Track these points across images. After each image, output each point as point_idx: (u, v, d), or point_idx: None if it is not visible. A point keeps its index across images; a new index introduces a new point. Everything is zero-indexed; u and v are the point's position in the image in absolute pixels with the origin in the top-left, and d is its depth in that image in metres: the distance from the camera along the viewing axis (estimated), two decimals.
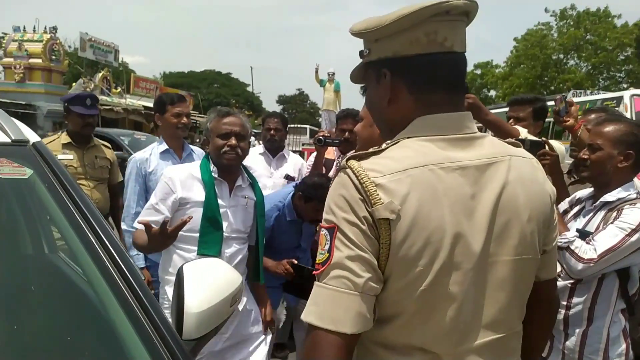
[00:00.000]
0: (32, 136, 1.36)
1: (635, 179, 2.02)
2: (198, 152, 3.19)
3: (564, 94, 2.28)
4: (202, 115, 36.06)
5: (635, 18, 27.07)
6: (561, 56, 29.90)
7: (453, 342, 0.98)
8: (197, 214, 2.17)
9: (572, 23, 29.06)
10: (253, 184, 2.45)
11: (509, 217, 1.00)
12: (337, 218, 0.95)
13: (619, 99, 10.81)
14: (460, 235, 0.95)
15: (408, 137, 1.02)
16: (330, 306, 0.93)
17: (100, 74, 20.82)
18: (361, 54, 1.10)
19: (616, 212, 1.84)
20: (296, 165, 3.71)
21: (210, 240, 2.18)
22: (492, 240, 0.98)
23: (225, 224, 2.25)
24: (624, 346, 1.86)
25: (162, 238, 1.88)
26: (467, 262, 0.96)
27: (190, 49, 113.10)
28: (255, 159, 3.58)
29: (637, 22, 24.84)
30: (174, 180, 2.23)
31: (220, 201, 2.25)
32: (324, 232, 0.97)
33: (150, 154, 3.02)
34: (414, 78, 1.03)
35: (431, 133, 1.01)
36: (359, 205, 0.94)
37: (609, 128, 1.96)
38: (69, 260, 1.77)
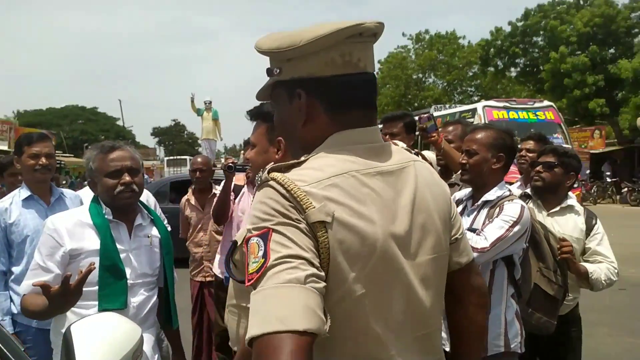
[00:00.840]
0: None
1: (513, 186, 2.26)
2: (69, 194, 2.85)
3: (430, 113, 2.49)
4: (67, 155, 33.52)
5: (478, 39, 30.53)
6: (420, 75, 32.69)
7: (387, 345, 0.97)
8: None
9: (426, 45, 31.95)
10: (154, 219, 2.18)
11: (425, 218, 1.04)
12: (270, 223, 0.89)
13: (473, 111, 12.15)
14: (390, 237, 0.96)
15: (325, 151, 1.01)
16: (273, 305, 0.82)
17: None
18: (270, 72, 1.06)
19: (498, 208, 2.07)
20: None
21: (113, 292, 1.88)
22: (415, 240, 1.01)
23: (128, 271, 1.97)
24: (518, 326, 2.04)
25: (65, 297, 1.63)
26: (397, 263, 0.97)
27: (47, 85, 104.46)
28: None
29: (479, 42, 28.02)
30: (59, 230, 1.92)
31: (119, 246, 1.96)
32: (255, 240, 0.90)
33: (10, 202, 2.63)
34: (330, 98, 1.02)
35: (348, 145, 1.01)
36: (290, 211, 0.90)
37: (481, 135, 2.21)
38: None
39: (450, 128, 3.05)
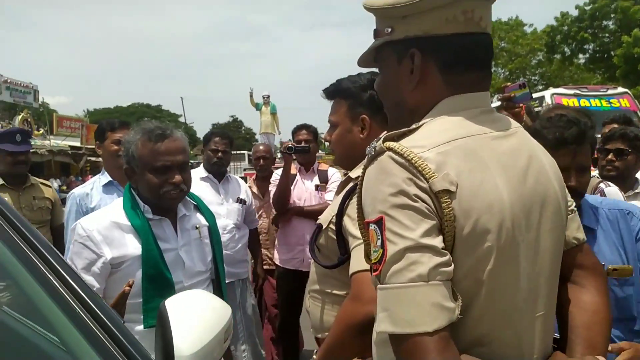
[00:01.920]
0: None
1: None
2: None
3: (524, 80, 2.27)
4: None
5: (543, 25, 29.12)
6: None
7: (511, 324, 0.90)
8: (136, 272, 1.64)
9: None
10: (198, 205, 1.94)
11: (544, 184, 0.96)
12: (384, 206, 0.84)
13: (541, 99, 11.54)
14: (515, 205, 0.89)
15: (439, 116, 0.95)
16: (400, 306, 0.81)
17: (19, 117, 19.65)
18: (378, 32, 1.00)
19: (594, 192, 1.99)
20: (243, 187, 3.49)
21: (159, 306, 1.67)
22: (536, 209, 0.93)
23: (179, 275, 1.72)
24: None
25: None
26: (523, 233, 0.90)
27: (114, 84, 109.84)
28: (198, 185, 3.11)
29: (545, 29, 26.71)
30: (93, 237, 1.63)
31: (166, 245, 1.71)
32: (372, 227, 0.86)
33: (91, 188, 2.73)
34: (447, 59, 0.96)
35: (462, 110, 0.95)
36: (408, 184, 0.84)
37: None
38: (17, 314, 1.53)
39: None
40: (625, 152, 2.43)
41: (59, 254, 1.02)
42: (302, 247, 3.42)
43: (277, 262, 3.58)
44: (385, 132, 0.97)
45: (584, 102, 10.92)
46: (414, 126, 0.94)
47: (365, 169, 0.93)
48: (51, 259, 0.97)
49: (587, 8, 24.47)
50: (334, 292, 1.47)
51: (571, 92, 11.28)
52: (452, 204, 0.83)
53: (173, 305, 1.11)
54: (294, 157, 3.48)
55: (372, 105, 1.53)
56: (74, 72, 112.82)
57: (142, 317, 1.62)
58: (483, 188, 0.86)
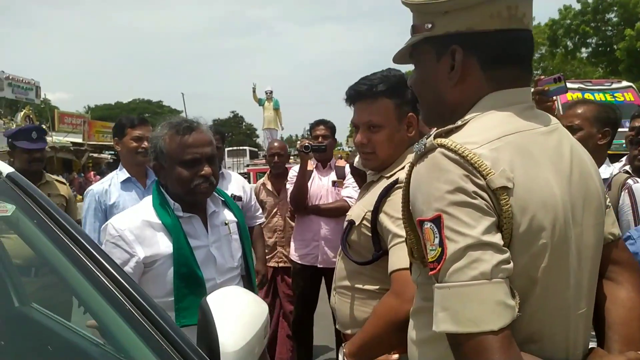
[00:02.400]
0: (3, 167, 1.14)
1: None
2: None
3: (561, 74, 2.23)
4: None
5: (546, 19, 29.02)
6: None
7: (560, 321, 0.91)
8: (167, 271, 1.63)
9: None
10: (226, 201, 1.93)
11: (587, 180, 0.96)
12: (441, 203, 0.83)
13: None
14: (565, 200, 0.89)
15: (484, 112, 0.94)
16: (462, 305, 0.80)
17: (21, 113, 19.61)
18: (416, 28, 0.99)
19: (625, 191, 1.96)
20: (239, 183, 3.44)
21: (192, 305, 1.54)
22: (580, 205, 0.93)
23: (211, 272, 1.71)
24: None
25: None
26: (570, 231, 0.90)
27: (115, 80, 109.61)
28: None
29: (547, 23, 26.58)
30: (125, 237, 1.62)
31: (197, 242, 1.70)
32: (428, 225, 0.84)
33: (109, 184, 2.72)
34: (490, 55, 0.95)
35: (506, 106, 0.95)
36: (465, 181, 0.83)
37: (584, 109, 2.09)
38: (47, 311, 1.54)
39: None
40: None
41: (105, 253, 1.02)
42: (317, 244, 3.41)
43: (293, 258, 3.57)
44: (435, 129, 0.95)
45: (588, 96, 10.88)
46: (459, 122, 0.93)
47: (412, 166, 0.92)
48: (101, 259, 0.97)
49: (590, 1, 24.36)
50: (366, 287, 1.47)
51: (575, 86, 11.23)
52: (510, 201, 0.83)
53: (215, 302, 1.11)
54: (311, 156, 3.44)
55: (414, 103, 1.49)
56: (75, 68, 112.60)
57: (174, 316, 1.60)
58: (537, 184, 0.86)
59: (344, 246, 1.52)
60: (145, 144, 2.70)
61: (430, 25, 0.95)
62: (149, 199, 1.77)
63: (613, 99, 10.94)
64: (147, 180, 2.81)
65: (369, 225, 1.43)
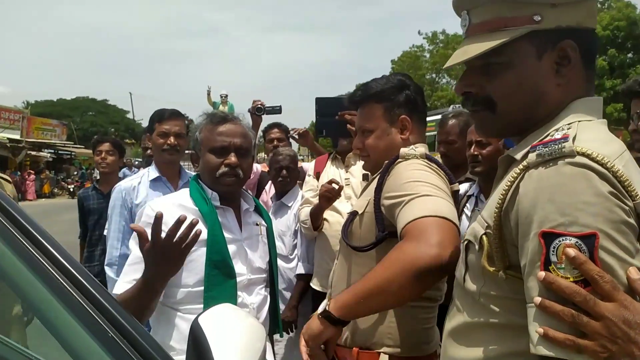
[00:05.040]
0: None
1: None
2: None
3: None
4: (78, 146, 33.32)
5: None
6: (434, 75, 32.39)
7: None
8: (201, 258, 1.58)
9: (442, 45, 31.71)
10: (257, 206, 1.89)
11: None
12: (596, 220, 0.72)
13: None
14: None
15: (579, 121, 0.86)
16: None
17: None
18: (509, 22, 0.89)
19: None
20: None
21: (222, 294, 1.55)
22: None
23: (242, 267, 1.67)
24: None
25: (164, 257, 1.32)
26: None
27: (58, 76, 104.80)
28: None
29: None
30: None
31: (229, 235, 1.66)
32: (570, 241, 0.73)
33: (139, 182, 2.44)
34: (590, 54, 0.91)
35: (598, 113, 0.90)
36: (611, 201, 0.73)
37: None
38: None
39: (451, 123, 2.56)
40: None
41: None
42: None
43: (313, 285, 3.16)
44: (567, 124, 0.85)
45: None
46: (564, 125, 0.84)
47: (526, 168, 0.82)
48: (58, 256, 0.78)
49: None
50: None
51: None
52: None
53: (209, 321, 0.94)
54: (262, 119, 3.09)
55: (409, 105, 1.52)
56: (14, 61, 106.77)
57: (202, 306, 1.51)
58: None
59: (345, 236, 1.49)
60: (172, 139, 2.44)
61: (539, 18, 0.87)
62: (185, 190, 1.76)
63: None
64: (179, 182, 2.52)
65: (372, 211, 1.42)
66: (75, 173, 28.16)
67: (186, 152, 2.55)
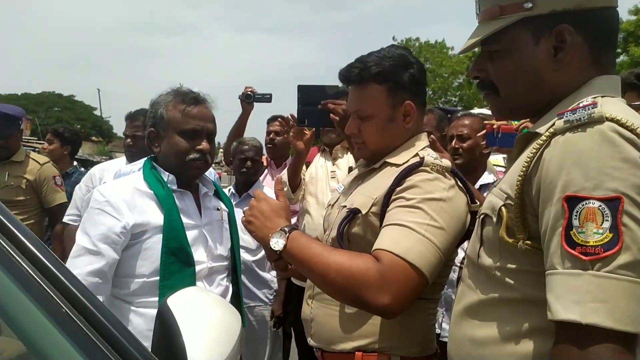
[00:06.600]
0: None
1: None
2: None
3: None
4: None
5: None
6: None
7: None
8: (157, 246, 1.48)
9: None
10: (217, 189, 1.80)
11: None
12: (622, 185, 0.72)
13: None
14: None
15: (602, 95, 0.85)
16: (627, 302, 0.72)
17: None
18: (506, 9, 0.91)
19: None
20: None
21: (179, 284, 1.37)
22: None
23: (202, 254, 1.58)
24: None
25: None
26: None
27: (23, 70, 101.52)
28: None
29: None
30: (113, 202, 1.47)
31: (188, 220, 1.57)
32: (594, 204, 0.73)
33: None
34: (597, 35, 0.90)
35: (616, 92, 0.90)
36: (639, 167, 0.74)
37: (470, 121, 2.34)
38: None
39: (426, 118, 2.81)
40: None
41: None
42: None
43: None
44: (592, 97, 0.85)
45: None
46: (588, 100, 0.83)
47: (552, 134, 0.82)
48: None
49: None
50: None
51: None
52: None
53: (178, 304, 0.87)
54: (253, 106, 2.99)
55: (413, 87, 1.33)
56: None
57: (157, 299, 1.46)
58: None
59: (341, 238, 1.28)
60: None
61: (530, 5, 0.89)
62: (139, 173, 1.64)
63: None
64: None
65: (379, 213, 1.24)
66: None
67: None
